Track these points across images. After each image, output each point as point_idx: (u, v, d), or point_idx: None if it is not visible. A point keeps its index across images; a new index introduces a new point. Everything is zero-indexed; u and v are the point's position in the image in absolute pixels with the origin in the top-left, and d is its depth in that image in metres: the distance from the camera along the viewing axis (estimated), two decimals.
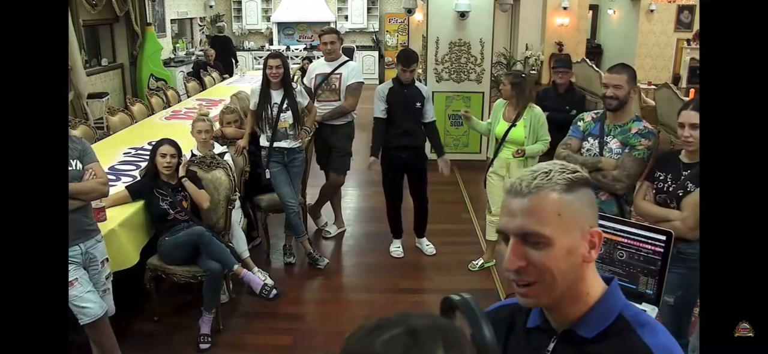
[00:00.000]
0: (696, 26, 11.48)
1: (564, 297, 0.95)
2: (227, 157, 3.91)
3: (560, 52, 12.71)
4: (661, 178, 2.45)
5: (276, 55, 4.00)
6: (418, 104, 4.07)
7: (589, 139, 2.75)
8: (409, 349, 0.63)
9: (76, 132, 4.58)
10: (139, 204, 3.32)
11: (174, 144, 3.39)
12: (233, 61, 10.64)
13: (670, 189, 2.39)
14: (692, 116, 2.26)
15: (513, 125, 3.76)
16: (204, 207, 3.42)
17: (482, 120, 5.15)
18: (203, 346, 3.21)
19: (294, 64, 10.07)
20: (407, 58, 4.02)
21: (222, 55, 10.15)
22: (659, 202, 2.43)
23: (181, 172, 3.42)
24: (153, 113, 6.25)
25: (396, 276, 4.13)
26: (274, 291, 3.72)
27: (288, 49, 12.20)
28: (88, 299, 2.57)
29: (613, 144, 2.67)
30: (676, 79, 10.68)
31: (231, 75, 9.60)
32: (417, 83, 4.16)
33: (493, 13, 6.59)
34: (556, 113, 4.20)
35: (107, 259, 2.77)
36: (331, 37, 4.43)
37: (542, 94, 4.60)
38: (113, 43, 8.76)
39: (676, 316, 2.42)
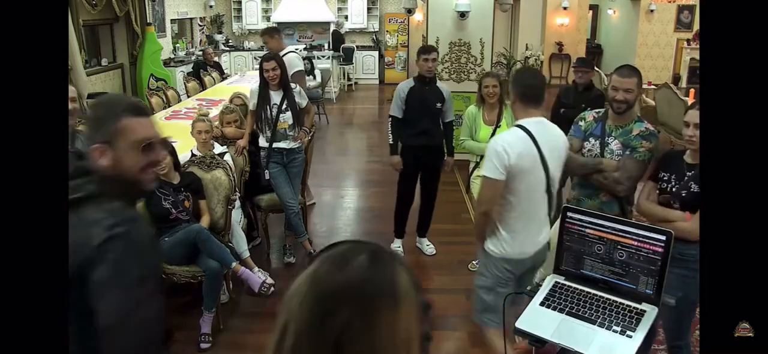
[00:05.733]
0: (696, 26, 11.48)
1: None
2: (227, 157, 3.91)
3: (560, 52, 12.74)
4: (664, 178, 2.43)
5: (270, 57, 4.00)
6: (439, 105, 4.09)
7: (590, 139, 2.74)
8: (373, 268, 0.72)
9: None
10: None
11: (165, 145, 3.37)
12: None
13: (674, 189, 2.37)
14: (697, 116, 2.23)
15: (498, 126, 3.77)
16: (203, 223, 3.44)
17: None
18: (204, 345, 3.21)
19: None
20: (427, 47, 4.22)
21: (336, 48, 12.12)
22: (662, 203, 2.41)
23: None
24: (153, 113, 6.25)
25: None
26: (272, 288, 3.73)
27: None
28: None
29: (615, 145, 2.65)
30: (676, 79, 10.69)
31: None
32: (438, 83, 4.19)
33: (493, 13, 6.59)
34: (570, 110, 4.31)
35: None
36: None
37: (562, 92, 4.82)
38: (113, 43, 8.76)
39: (677, 317, 2.41)
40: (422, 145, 4.10)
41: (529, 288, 2.02)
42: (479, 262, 2.64)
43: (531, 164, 2.34)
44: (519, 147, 2.32)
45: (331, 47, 12.43)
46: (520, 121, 2.40)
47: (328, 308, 0.69)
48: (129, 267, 1.32)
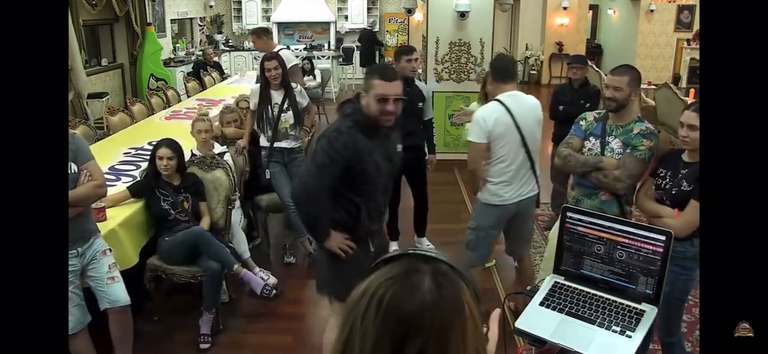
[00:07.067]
0: (696, 26, 11.49)
1: None
2: (227, 157, 3.91)
3: (560, 52, 12.74)
4: (661, 175, 2.47)
5: (272, 56, 4.00)
6: (420, 104, 4.07)
7: (591, 138, 2.75)
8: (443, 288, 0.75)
9: (75, 132, 4.57)
10: (139, 204, 3.32)
11: (172, 146, 3.37)
12: (377, 54, 12.11)
13: (667, 186, 2.41)
14: (691, 117, 2.29)
15: None
16: (203, 225, 3.44)
17: None
18: (203, 346, 3.21)
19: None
20: (408, 48, 4.22)
21: (367, 48, 11.81)
22: (657, 199, 2.46)
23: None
24: (153, 113, 6.25)
25: None
26: (275, 291, 3.73)
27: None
28: (70, 312, 2.43)
29: (615, 144, 2.67)
30: (676, 79, 10.69)
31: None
32: (417, 82, 4.17)
33: (493, 13, 6.59)
34: (570, 107, 4.32)
35: (109, 249, 2.67)
36: None
37: (559, 90, 4.77)
38: (113, 43, 8.76)
39: (665, 313, 2.43)
40: (407, 146, 4.06)
41: (528, 288, 2.03)
42: (474, 207, 3.28)
43: (506, 129, 2.95)
44: (495, 116, 2.95)
45: (361, 51, 12.26)
46: (498, 96, 3.00)
47: (402, 337, 0.72)
48: (319, 154, 2.28)
